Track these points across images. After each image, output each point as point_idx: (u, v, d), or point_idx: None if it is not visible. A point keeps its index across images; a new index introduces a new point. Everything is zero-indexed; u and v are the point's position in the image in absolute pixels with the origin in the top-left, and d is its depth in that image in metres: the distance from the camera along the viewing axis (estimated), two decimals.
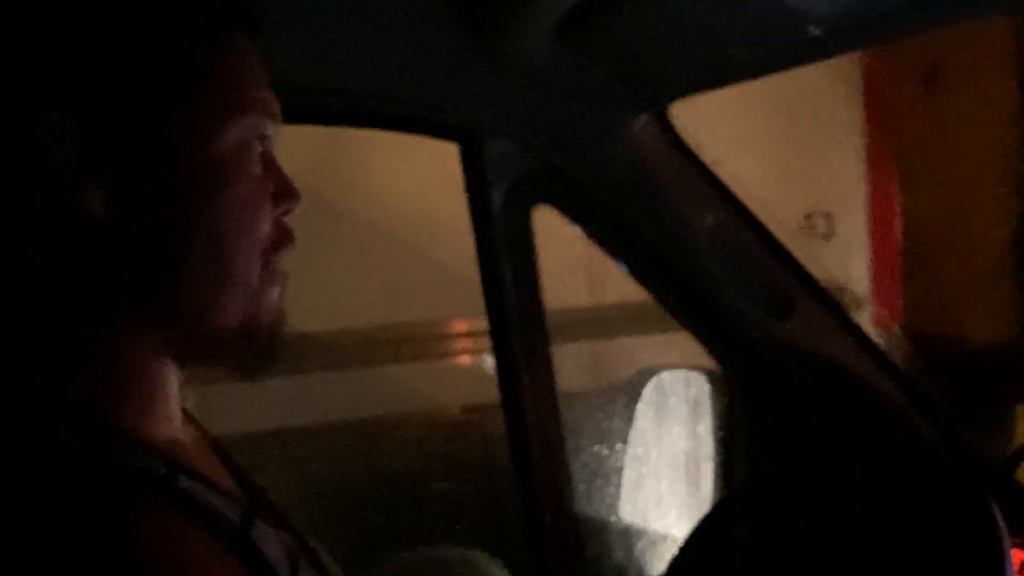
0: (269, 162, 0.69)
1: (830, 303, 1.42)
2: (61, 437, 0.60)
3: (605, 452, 1.94)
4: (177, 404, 0.70)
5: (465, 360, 2.79)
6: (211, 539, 0.60)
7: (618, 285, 1.51)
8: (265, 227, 0.67)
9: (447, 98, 1.22)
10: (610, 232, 1.42)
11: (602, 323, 2.78)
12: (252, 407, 2.01)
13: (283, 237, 0.69)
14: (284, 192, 0.69)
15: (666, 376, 1.78)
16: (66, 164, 0.61)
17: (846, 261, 3.33)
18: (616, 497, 1.83)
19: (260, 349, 0.68)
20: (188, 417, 0.74)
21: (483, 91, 1.22)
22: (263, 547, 0.63)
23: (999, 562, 0.95)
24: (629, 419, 1.80)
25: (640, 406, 1.77)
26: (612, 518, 1.86)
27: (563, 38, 1.13)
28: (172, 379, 0.69)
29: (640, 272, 1.46)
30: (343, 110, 1.22)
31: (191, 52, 0.65)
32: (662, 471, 1.78)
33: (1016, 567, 1.12)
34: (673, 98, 1.24)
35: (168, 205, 0.64)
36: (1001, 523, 0.98)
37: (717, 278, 1.40)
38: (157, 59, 0.64)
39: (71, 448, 0.59)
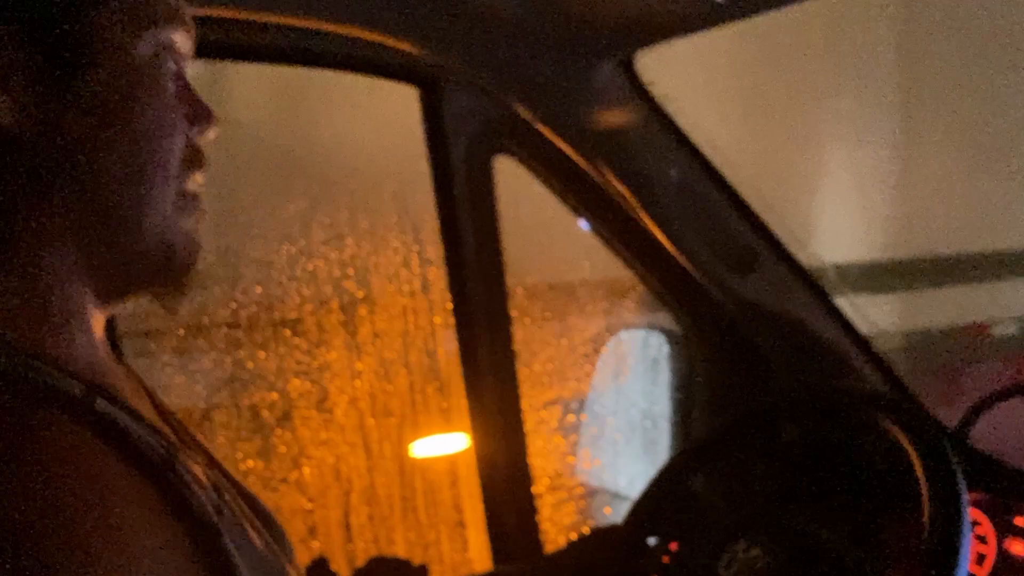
0: (182, 81, 0.67)
1: (791, 259, 1.42)
2: None
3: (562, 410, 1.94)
4: (100, 335, 0.67)
5: None
6: (127, 463, 0.57)
7: None
8: (178, 145, 0.65)
9: (407, 39, 1.18)
10: (572, 185, 1.39)
11: None
12: None
13: (195, 158, 0.67)
14: (198, 113, 0.67)
15: (624, 335, 1.77)
16: None
17: None
18: (574, 455, 1.83)
19: (175, 277, 0.66)
20: (119, 358, 0.71)
21: (445, 33, 1.18)
22: (185, 477, 0.60)
23: (957, 513, 0.95)
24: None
25: (598, 364, 1.77)
26: (569, 476, 1.86)
27: None
28: (93, 308, 0.66)
29: (601, 227, 1.44)
30: (300, 49, 1.17)
31: None
32: (619, 430, 1.78)
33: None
34: (641, 45, 1.21)
35: (80, 119, 0.61)
36: (960, 474, 0.98)
37: (680, 233, 1.39)
38: None
39: None
